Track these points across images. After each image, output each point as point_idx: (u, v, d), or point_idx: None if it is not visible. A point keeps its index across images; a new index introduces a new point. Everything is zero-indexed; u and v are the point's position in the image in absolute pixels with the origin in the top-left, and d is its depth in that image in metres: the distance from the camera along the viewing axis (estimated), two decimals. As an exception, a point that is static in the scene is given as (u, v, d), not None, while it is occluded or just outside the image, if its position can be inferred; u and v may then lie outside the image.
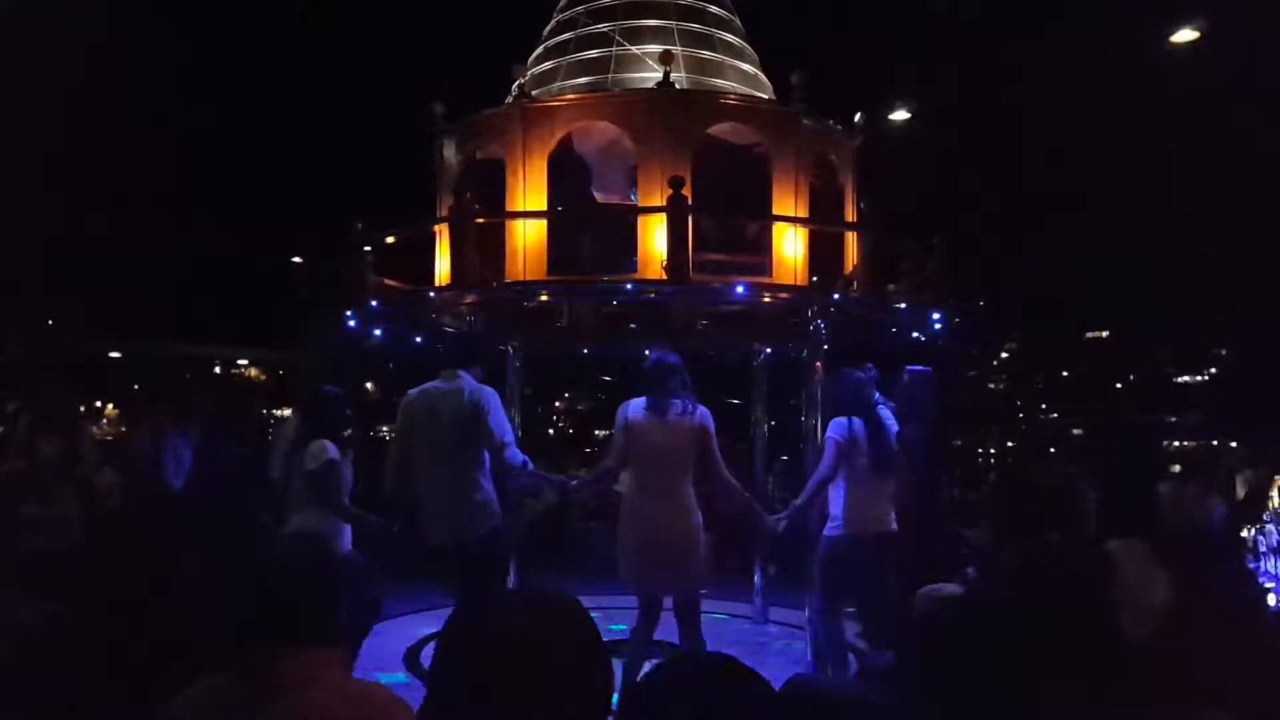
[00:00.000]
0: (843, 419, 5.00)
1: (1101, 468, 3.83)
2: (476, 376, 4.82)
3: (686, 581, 4.70)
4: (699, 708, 1.29)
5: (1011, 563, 3.18)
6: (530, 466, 4.93)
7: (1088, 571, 2.86)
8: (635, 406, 4.72)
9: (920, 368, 5.61)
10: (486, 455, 4.72)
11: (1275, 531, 6.34)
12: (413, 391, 4.88)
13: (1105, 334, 38.43)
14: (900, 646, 2.26)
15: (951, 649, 2.13)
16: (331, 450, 4.69)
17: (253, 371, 29.16)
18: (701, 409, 4.68)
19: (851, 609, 5.33)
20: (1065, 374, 35.43)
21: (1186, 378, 35.29)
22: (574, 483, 5.68)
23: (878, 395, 5.30)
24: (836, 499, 5.00)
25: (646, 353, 5.03)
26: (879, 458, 4.95)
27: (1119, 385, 34.97)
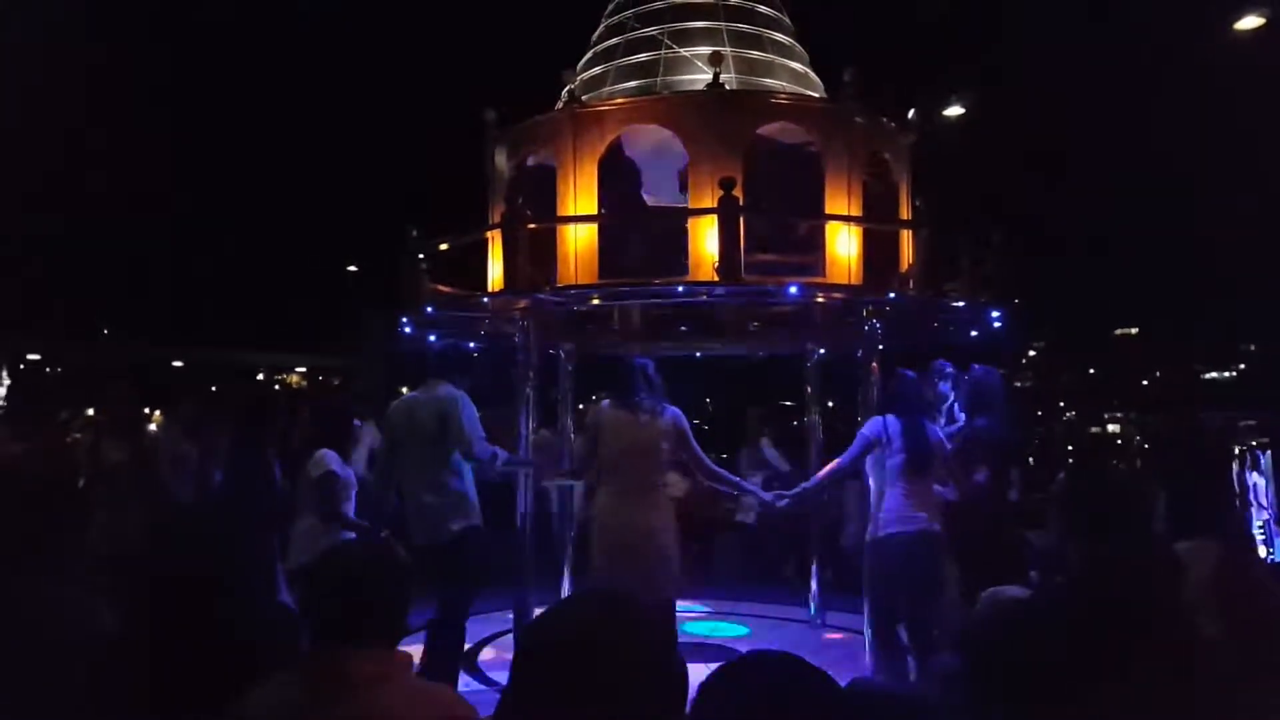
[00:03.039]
0: (878, 418, 4.94)
1: (1172, 467, 3.73)
2: (461, 386, 5.03)
3: (657, 584, 4.54)
4: (768, 706, 1.28)
5: (1080, 565, 3.11)
6: (502, 458, 5.14)
7: (1158, 574, 2.79)
8: (604, 407, 4.86)
9: (986, 366, 5.57)
10: (457, 460, 4.92)
11: None
12: (395, 402, 5.20)
13: (1134, 331, 37.94)
14: (965, 649, 2.22)
15: (1019, 652, 2.09)
16: (330, 461, 5.06)
17: (294, 379, 29.76)
18: (672, 409, 4.78)
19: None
20: (1091, 371, 34.90)
21: (1214, 374, 34.36)
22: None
23: (946, 389, 5.25)
24: (873, 503, 4.94)
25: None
26: (913, 458, 4.86)
27: (1145, 382, 34.39)
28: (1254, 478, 8.15)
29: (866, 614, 5.12)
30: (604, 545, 4.72)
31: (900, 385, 5.08)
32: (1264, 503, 7.99)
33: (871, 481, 4.97)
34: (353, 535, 5.05)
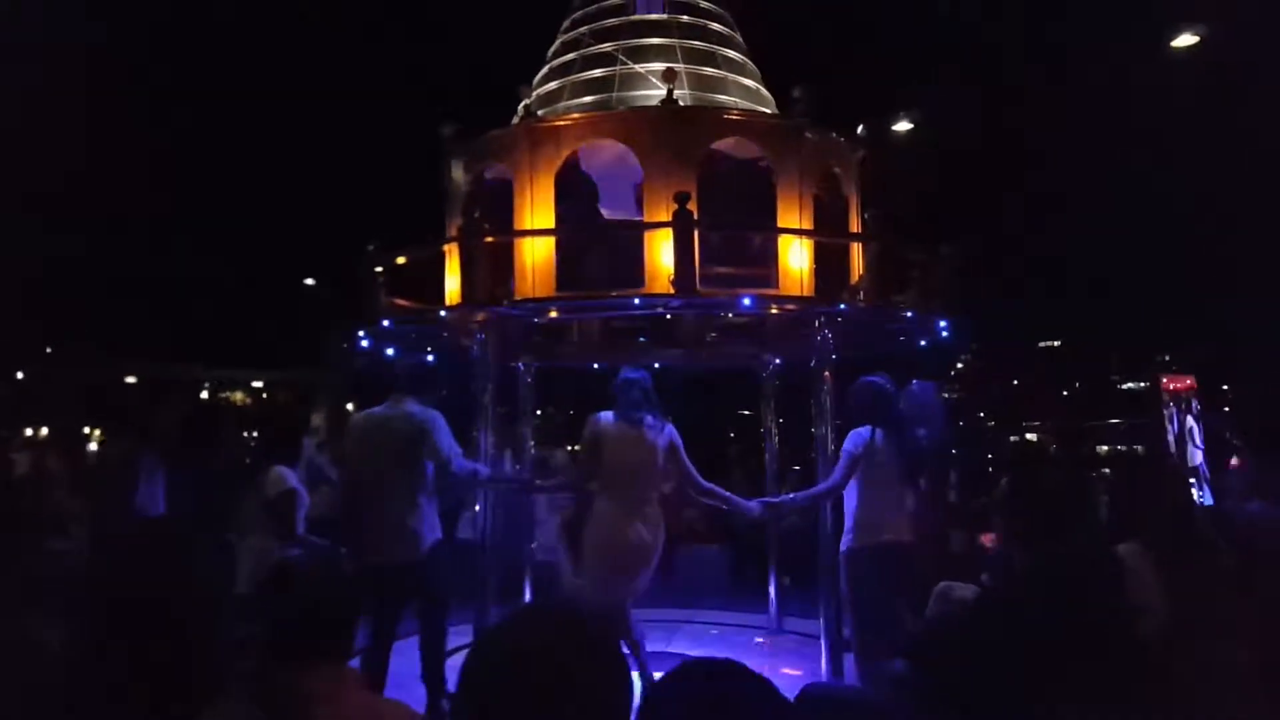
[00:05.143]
0: (864, 429, 4.97)
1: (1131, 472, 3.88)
2: (428, 402, 5.06)
3: (638, 590, 4.95)
4: (708, 713, 1.32)
5: (1026, 566, 3.21)
6: (483, 473, 5.21)
7: (1101, 574, 2.89)
8: (605, 419, 4.96)
9: (922, 381, 5.74)
10: (428, 477, 4.93)
11: None
12: (357, 415, 5.18)
13: (1057, 343, 39.35)
14: (915, 651, 2.28)
15: (968, 652, 2.16)
16: (289, 478, 4.95)
17: (237, 395, 29.37)
18: (669, 426, 4.94)
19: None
20: (1015, 382, 36.03)
21: (1131, 384, 35.49)
22: (538, 481, 5.96)
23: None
24: (849, 511, 4.97)
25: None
26: (901, 466, 4.94)
27: (1065, 393, 35.62)
28: (1190, 421, 9.46)
29: (836, 618, 5.17)
30: (600, 552, 4.90)
31: (865, 395, 5.11)
32: (1198, 444, 9.22)
33: (849, 493, 5.02)
34: (298, 551, 5.00)
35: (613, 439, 4.92)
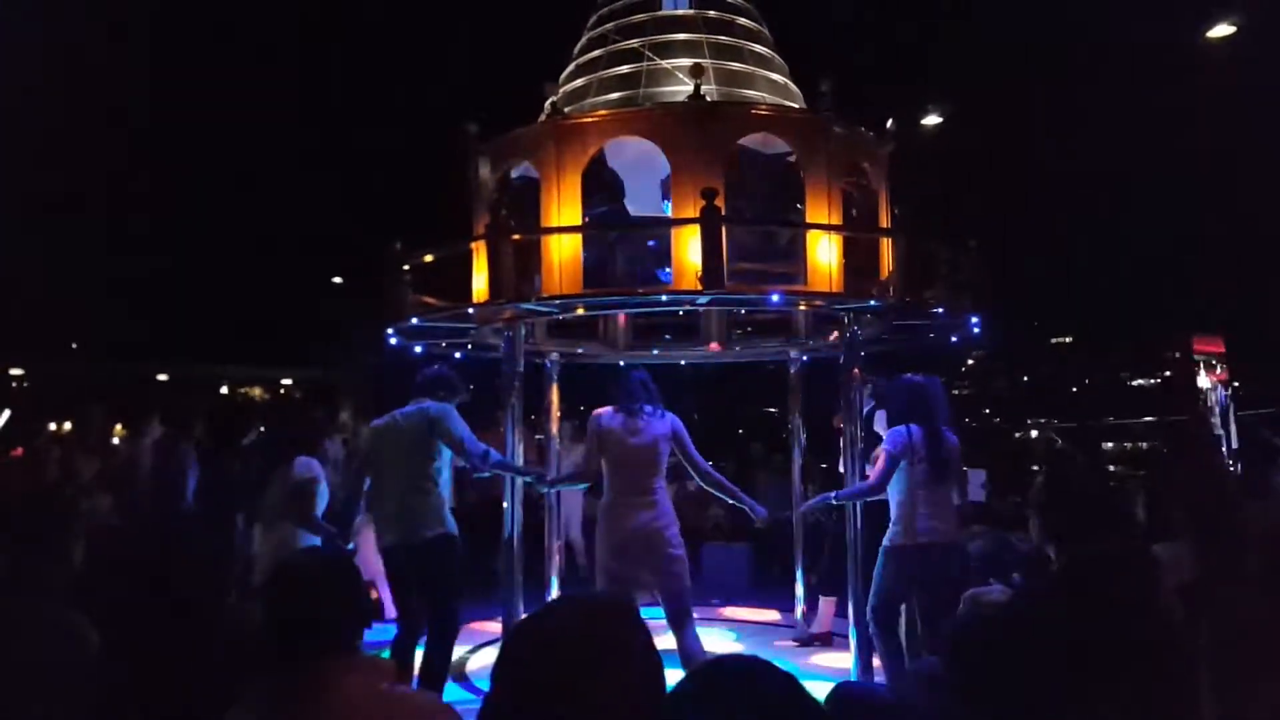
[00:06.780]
0: (901, 428, 5.00)
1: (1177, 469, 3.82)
2: (445, 402, 5.27)
3: (666, 583, 4.85)
4: (736, 711, 1.31)
5: (1061, 566, 3.16)
6: (494, 456, 5.30)
7: (1137, 574, 2.84)
8: (604, 413, 5.06)
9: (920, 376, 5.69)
10: (442, 469, 5.12)
11: None
12: (379, 420, 5.38)
13: (1069, 339, 38.96)
14: (948, 649, 2.26)
15: (1002, 651, 2.13)
16: (315, 468, 5.25)
17: (256, 392, 29.67)
18: (670, 415, 5.03)
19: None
20: (1026, 379, 35.68)
21: (1141, 381, 34.94)
22: (549, 475, 6.03)
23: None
24: (894, 509, 4.99)
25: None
26: (936, 465, 4.92)
27: (1075, 389, 35.23)
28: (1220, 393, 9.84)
29: (867, 615, 5.14)
30: (609, 547, 4.93)
31: (915, 392, 5.12)
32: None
33: (892, 490, 5.02)
34: (317, 541, 5.14)
35: (611, 431, 5.00)
